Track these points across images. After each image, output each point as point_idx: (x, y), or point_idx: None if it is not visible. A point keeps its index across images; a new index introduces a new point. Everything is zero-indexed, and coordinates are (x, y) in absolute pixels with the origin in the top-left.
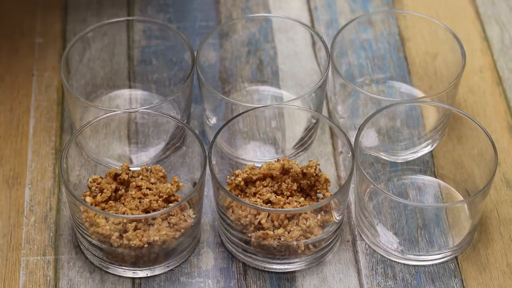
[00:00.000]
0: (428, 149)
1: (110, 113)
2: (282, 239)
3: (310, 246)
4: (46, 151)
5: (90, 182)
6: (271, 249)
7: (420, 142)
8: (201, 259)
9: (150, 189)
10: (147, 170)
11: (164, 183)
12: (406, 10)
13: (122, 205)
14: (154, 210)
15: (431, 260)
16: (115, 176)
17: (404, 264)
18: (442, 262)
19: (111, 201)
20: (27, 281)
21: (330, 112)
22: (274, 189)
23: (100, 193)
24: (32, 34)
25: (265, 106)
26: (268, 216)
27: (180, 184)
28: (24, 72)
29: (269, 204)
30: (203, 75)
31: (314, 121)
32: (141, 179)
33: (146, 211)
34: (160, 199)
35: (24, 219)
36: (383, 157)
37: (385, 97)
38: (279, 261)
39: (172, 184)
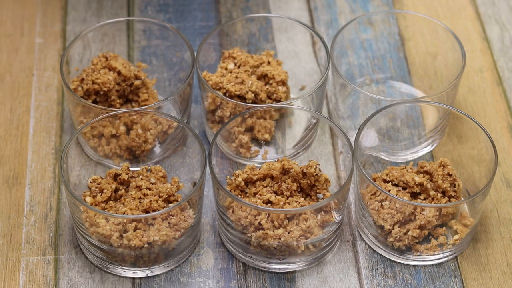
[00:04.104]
0: (428, 149)
1: (110, 113)
2: (282, 239)
3: (310, 246)
4: (46, 151)
5: (90, 182)
6: (271, 249)
7: (420, 142)
8: (201, 259)
9: (150, 189)
10: (147, 170)
11: (164, 183)
12: (406, 10)
13: (122, 205)
14: (154, 210)
15: (431, 260)
16: (115, 176)
17: (404, 264)
18: (442, 262)
19: (111, 201)
20: (27, 281)
21: (330, 112)
22: (274, 189)
23: (100, 193)
24: (32, 34)
25: (265, 106)
26: (268, 216)
27: (180, 184)
28: (24, 72)
29: (269, 204)
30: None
31: (314, 121)
32: (141, 179)
33: (146, 211)
34: (160, 199)
35: (24, 219)
36: (383, 157)
37: (385, 97)
38: (279, 261)
39: (172, 184)
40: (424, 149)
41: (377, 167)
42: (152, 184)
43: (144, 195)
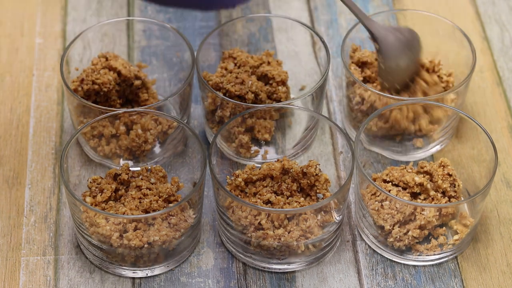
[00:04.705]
0: (436, 149)
1: (110, 113)
2: (282, 239)
3: (310, 246)
4: (46, 151)
5: (90, 182)
6: (271, 249)
7: (428, 142)
8: (201, 259)
9: (150, 189)
10: (147, 170)
11: (164, 183)
12: (406, 8)
13: (122, 205)
14: (154, 210)
15: (431, 260)
16: (115, 176)
17: (404, 264)
18: (442, 262)
19: (111, 201)
20: (27, 281)
21: (330, 112)
22: (274, 189)
23: (100, 193)
24: (32, 34)
25: (265, 106)
26: (268, 217)
27: (180, 184)
28: (24, 72)
29: (269, 204)
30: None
31: (314, 121)
32: (141, 179)
33: (146, 211)
34: (160, 199)
35: (24, 219)
36: (384, 155)
37: (392, 96)
38: (279, 261)
39: (172, 184)
40: (431, 150)
41: (377, 167)
42: (152, 184)
43: (144, 195)
